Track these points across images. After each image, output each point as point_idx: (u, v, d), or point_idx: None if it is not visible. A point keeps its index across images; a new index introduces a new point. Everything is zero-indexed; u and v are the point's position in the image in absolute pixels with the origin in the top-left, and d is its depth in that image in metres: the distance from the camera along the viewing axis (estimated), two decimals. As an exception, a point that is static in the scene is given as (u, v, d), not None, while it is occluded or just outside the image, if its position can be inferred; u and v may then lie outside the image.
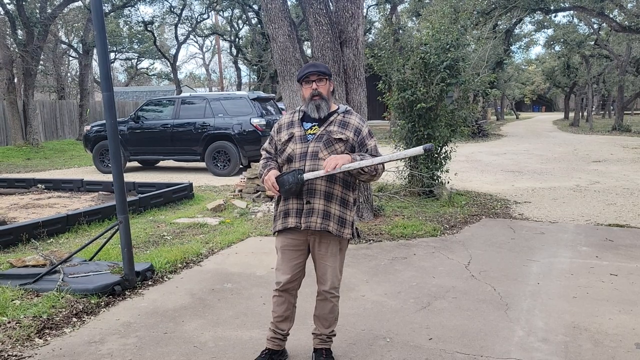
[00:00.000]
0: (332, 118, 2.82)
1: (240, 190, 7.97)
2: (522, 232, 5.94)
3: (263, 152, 2.98)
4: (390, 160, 2.71)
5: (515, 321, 3.53)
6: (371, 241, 5.58)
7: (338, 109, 2.88)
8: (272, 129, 2.97)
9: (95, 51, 22.08)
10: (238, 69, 32.05)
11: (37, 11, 19.23)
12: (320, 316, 2.95)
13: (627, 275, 4.42)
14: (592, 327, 3.43)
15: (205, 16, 29.04)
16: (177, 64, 29.78)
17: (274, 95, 15.80)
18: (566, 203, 7.63)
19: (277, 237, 2.91)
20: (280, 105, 12.15)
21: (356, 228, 2.80)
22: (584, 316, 3.60)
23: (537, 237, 5.69)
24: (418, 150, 2.66)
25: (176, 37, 28.90)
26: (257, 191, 7.71)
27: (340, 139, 2.76)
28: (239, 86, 31.49)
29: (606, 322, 3.50)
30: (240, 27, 31.18)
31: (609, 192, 8.40)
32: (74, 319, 3.62)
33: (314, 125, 2.82)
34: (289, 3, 6.72)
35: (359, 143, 2.81)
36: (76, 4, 22.42)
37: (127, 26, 29.42)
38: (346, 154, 2.72)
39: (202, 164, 11.99)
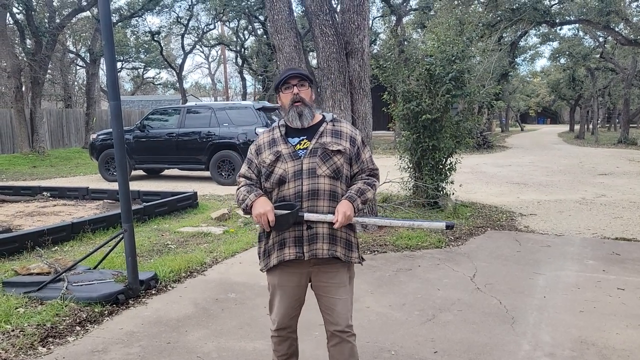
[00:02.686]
0: (321, 128, 2.46)
1: (245, 200, 7.96)
2: (527, 244, 5.90)
3: (241, 180, 2.51)
4: (402, 226, 2.56)
5: (522, 335, 3.50)
6: (375, 252, 5.55)
7: (324, 117, 2.53)
8: (249, 152, 2.55)
9: (102, 60, 22.31)
10: (243, 79, 32.25)
11: (46, 21, 19.44)
12: None
13: (634, 289, 4.38)
14: (599, 342, 3.39)
15: (211, 26, 29.37)
16: (183, 73, 30.00)
17: (279, 105, 15.84)
18: (572, 216, 7.59)
19: (271, 274, 2.48)
20: (286, 115, 12.16)
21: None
22: (591, 331, 3.56)
23: (543, 250, 5.66)
24: (439, 225, 2.41)
25: (182, 47, 29.13)
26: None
27: (338, 151, 2.41)
28: (244, 96, 31.65)
29: (613, 337, 3.46)
30: (246, 37, 31.42)
31: (616, 206, 8.35)
32: (78, 328, 3.61)
33: (303, 139, 2.44)
34: (295, 14, 6.76)
35: (355, 154, 2.48)
36: (84, 14, 22.66)
37: (134, 36, 29.69)
38: (346, 200, 2.36)
39: (207, 173, 12.01)
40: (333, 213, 2.35)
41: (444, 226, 2.37)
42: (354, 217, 2.37)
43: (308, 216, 2.33)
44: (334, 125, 2.50)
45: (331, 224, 2.35)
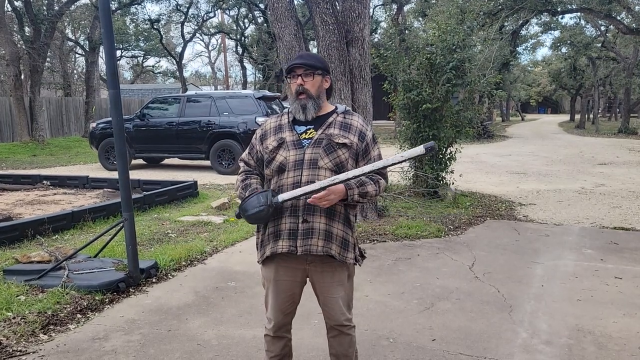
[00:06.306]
0: (330, 119, 2.36)
1: (245, 189, 7.97)
2: (526, 234, 5.92)
3: (241, 164, 2.48)
4: (385, 165, 2.26)
5: (519, 323, 3.53)
6: (375, 241, 5.58)
7: (336, 108, 2.42)
8: (254, 137, 2.46)
9: (101, 48, 22.22)
10: (244, 68, 32.11)
11: (45, 8, 19.34)
12: (339, 354, 2.45)
13: (632, 278, 4.40)
14: (596, 330, 3.42)
15: (211, 14, 29.21)
16: (183, 62, 29.88)
17: (279, 94, 15.80)
18: (571, 205, 7.60)
19: (265, 267, 2.40)
20: (286, 104, 12.17)
21: (360, 250, 2.42)
22: (588, 319, 3.58)
23: (541, 239, 5.68)
24: (418, 150, 2.20)
25: (182, 35, 28.99)
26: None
27: (344, 144, 2.30)
28: (244, 85, 31.55)
29: (610, 325, 3.49)
30: (246, 25, 31.26)
31: (615, 195, 8.36)
32: (79, 315, 3.64)
33: (309, 129, 2.35)
34: (295, 2, 6.72)
35: (362, 150, 2.35)
36: (83, 1, 22.59)
37: (134, 24, 29.55)
38: (342, 185, 2.23)
39: (207, 162, 12.02)
40: (332, 208, 2.26)
41: (423, 149, 2.18)
42: (325, 181, 2.18)
43: (283, 196, 2.19)
44: (344, 117, 2.39)
45: (329, 220, 2.26)
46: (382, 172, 2.37)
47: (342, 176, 2.19)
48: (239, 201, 2.36)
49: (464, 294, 4.07)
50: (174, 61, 30.41)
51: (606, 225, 6.32)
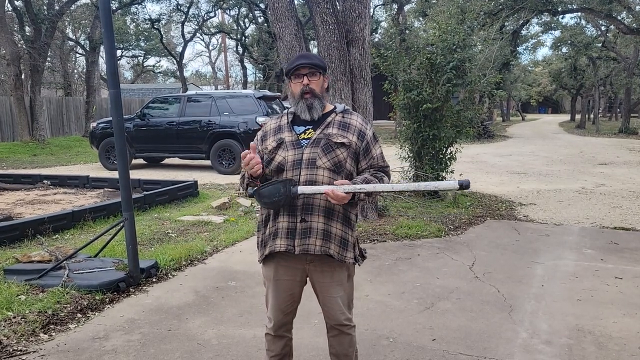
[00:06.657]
0: (329, 119, 2.36)
1: (245, 189, 7.97)
2: (526, 234, 5.92)
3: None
4: (417, 189, 2.24)
5: (519, 323, 3.53)
6: (375, 241, 5.58)
7: (335, 108, 2.42)
8: (256, 138, 2.47)
9: (102, 48, 22.23)
10: (244, 68, 32.12)
11: (45, 8, 19.34)
12: (340, 354, 2.45)
13: (632, 278, 4.40)
14: (596, 330, 3.42)
15: (212, 14, 29.22)
16: (184, 61, 29.89)
17: (279, 94, 15.81)
18: (571, 205, 7.60)
19: (265, 266, 2.41)
20: (286, 104, 12.16)
21: (361, 250, 2.42)
22: (588, 319, 3.58)
23: (541, 239, 5.68)
24: (452, 184, 2.15)
25: (183, 35, 29.00)
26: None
27: (342, 144, 2.29)
28: (244, 85, 31.56)
29: (610, 325, 3.49)
30: (247, 25, 31.28)
31: (615, 195, 8.36)
32: (79, 315, 3.65)
33: (308, 129, 2.35)
34: (295, 2, 6.72)
35: (363, 149, 2.34)
36: (83, 0, 22.57)
37: (134, 23, 29.56)
38: (349, 183, 2.22)
39: (207, 162, 12.02)
40: (330, 206, 2.25)
41: (457, 185, 2.13)
42: (350, 187, 2.16)
43: (302, 188, 2.17)
44: (343, 117, 2.38)
45: (328, 220, 2.25)
46: (385, 171, 2.40)
47: (370, 187, 2.19)
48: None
49: (464, 293, 4.07)
50: (175, 61, 30.45)
51: (606, 225, 6.32)
